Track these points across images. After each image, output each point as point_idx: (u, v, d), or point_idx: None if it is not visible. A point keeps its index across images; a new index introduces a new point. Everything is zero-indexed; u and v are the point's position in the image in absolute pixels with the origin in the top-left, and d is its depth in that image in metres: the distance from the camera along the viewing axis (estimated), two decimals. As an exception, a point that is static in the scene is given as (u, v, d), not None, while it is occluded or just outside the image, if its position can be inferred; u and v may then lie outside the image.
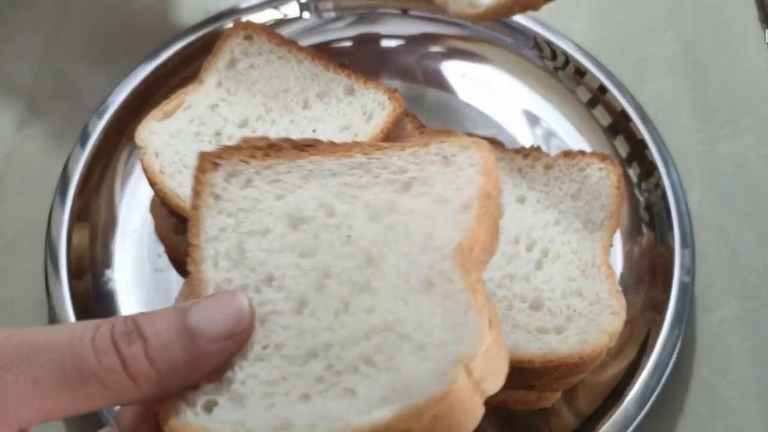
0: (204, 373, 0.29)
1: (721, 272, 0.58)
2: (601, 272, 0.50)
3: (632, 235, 0.59)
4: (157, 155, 0.53)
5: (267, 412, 0.29)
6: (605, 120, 0.63)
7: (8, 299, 0.58)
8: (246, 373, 0.30)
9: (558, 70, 0.65)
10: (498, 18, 0.54)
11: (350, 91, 0.59)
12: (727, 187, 0.62)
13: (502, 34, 0.67)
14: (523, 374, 0.47)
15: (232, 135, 0.55)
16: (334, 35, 0.68)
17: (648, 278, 0.55)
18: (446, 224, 0.32)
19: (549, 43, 0.65)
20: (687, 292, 0.54)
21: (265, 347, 0.31)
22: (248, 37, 0.60)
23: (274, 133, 0.54)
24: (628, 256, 0.58)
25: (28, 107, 0.66)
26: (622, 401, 0.50)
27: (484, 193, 0.33)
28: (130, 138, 0.54)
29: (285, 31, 0.66)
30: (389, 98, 0.58)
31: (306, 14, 0.68)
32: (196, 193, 0.35)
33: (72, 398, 0.26)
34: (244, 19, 0.66)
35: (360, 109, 0.58)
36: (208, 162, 0.36)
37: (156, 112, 0.55)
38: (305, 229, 0.34)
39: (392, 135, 0.57)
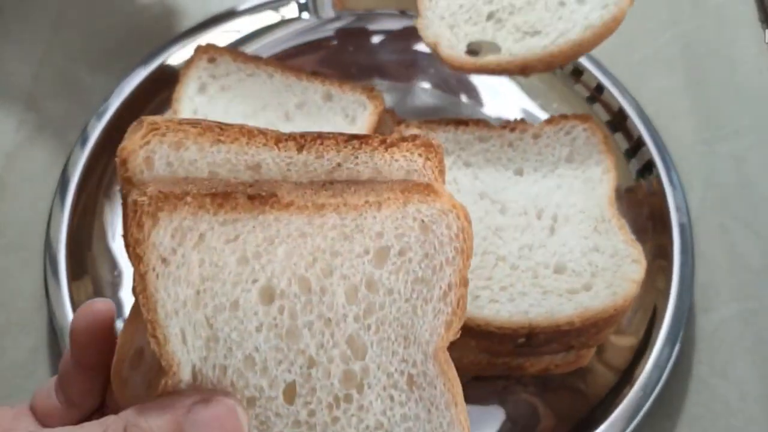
0: None
1: (721, 272, 0.57)
2: (613, 225, 0.51)
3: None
4: None
5: None
6: (603, 118, 0.63)
7: (8, 299, 0.57)
8: None
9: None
10: (500, 74, 0.53)
11: (328, 97, 0.58)
12: (726, 187, 0.61)
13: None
14: (564, 336, 0.48)
15: None
16: (331, 35, 0.68)
17: (650, 226, 0.57)
18: (426, 315, 0.32)
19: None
20: (686, 232, 0.55)
21: None
22: (212, 60, 0.59)
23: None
24: (627, 210, 0.58)
25: (28, 107, 0.66)
26: (621, 401, 0.49)
27: (462, 278, 0.32)
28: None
29: (284, 32, 0.67)
30: (368, 97, 0.58)
31: (305, 15, 0.68)
32: (138, 257, 0.28)
33: None
34: (241, 22, 0.66)
35: (341, 113, 0.57)
36: (145, 215, 0.28)
37: None
38: (280, 307, 0.31)
39: (375, 132, 0.57)
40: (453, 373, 0.32)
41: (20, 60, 0.68)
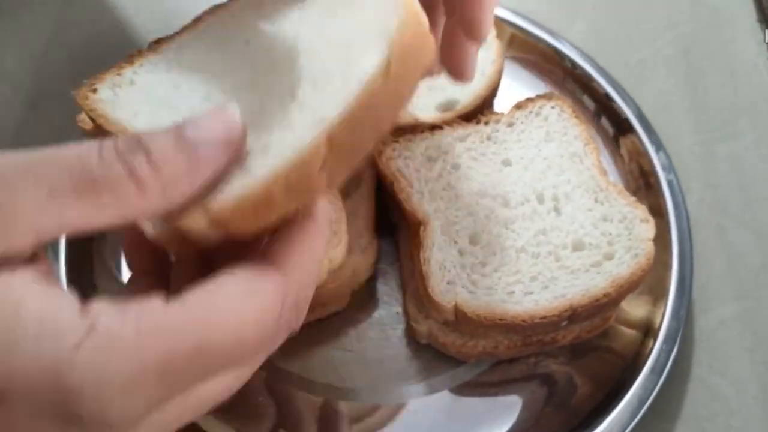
0: (203, 182, 0.29)
1: (719, 272, 0.57)
2: (611, 192, 0.53)
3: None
4: None
5: None
6: (604, 120, 0.63)
7: None
8: None
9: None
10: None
11: None
12: (725, 187, 0.61)
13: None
14: (603, 308, 0.49)
15: None
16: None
17: (642, 185, 0.59)
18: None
19: (547, 44, 0.65)
20: (675, 188, 0.57)
21: None
22: None
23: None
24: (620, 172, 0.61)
25: (29, 107, 0.67)
26: (619, 402, 0.50)
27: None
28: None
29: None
30: None
31: None
32: (88, 113, 0.34)
33: (86, 208, 0.26)
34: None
35: None
36: (84, 94, 0.34)
37: None
38: (228, 59, 0.33)
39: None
40: None
41: (21, 60, 0.68)
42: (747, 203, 0.61)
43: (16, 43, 0.69)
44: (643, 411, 0.49)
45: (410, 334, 0.53)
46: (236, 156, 0.29)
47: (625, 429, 0.49)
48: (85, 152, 0.27)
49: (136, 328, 0.25)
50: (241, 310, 0.27)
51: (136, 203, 0.27)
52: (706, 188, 0.61)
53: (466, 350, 0.51)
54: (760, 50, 0.69)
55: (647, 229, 0.51)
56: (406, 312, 0.54)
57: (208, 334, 0.26)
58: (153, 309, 0.26)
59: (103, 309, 0.26)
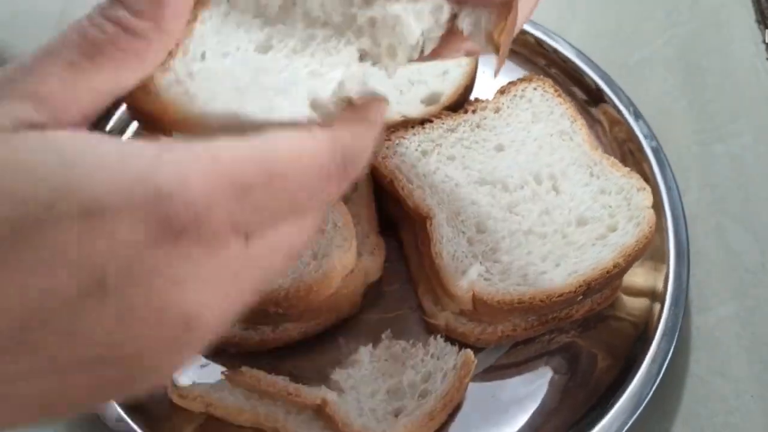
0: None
1: (717, 271, 0.57)
2: (605, 165, 0.54)
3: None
4: None
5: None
6: (601, 119, 0.63)
7: None
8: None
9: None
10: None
11: None
12: (723, 187, 0.61)
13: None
14: (614, 278, 0.50)
15: None
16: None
17: (628, 153, 0.60)
18: None
19: (543, 44, 0.65)
20: (660, 155, 0.59)
21: None
22: None
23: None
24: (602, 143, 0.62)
25: None
26: (617, 400, 0.50)
27: None
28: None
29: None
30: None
31: None
32: None
33: (105, 71, 0.28)
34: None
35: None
36: None
37: None
38: None
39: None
40: None
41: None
42: (745, 202, 0.61)
43: (18, 45, 0.68)
44: (639, 411, 0.49)
45: (427, 330, 0.54)
46: None
47: (624, 426, 0.49)
48: (78, 25, 0.28)
49: (207, 147, 0.26)
50: (297, 147, 0.28)
51: (141, 53, 0.29)
52: (705, 187, 0.61)
53: (485, 337, 0.52)
54: (758, 51, 0.68)
55: (645, 196, 0.52)
56: (420, 309, 0.54)
57: (273, 160, 0.27)
58: (220, 141, 0.27)
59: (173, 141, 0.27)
